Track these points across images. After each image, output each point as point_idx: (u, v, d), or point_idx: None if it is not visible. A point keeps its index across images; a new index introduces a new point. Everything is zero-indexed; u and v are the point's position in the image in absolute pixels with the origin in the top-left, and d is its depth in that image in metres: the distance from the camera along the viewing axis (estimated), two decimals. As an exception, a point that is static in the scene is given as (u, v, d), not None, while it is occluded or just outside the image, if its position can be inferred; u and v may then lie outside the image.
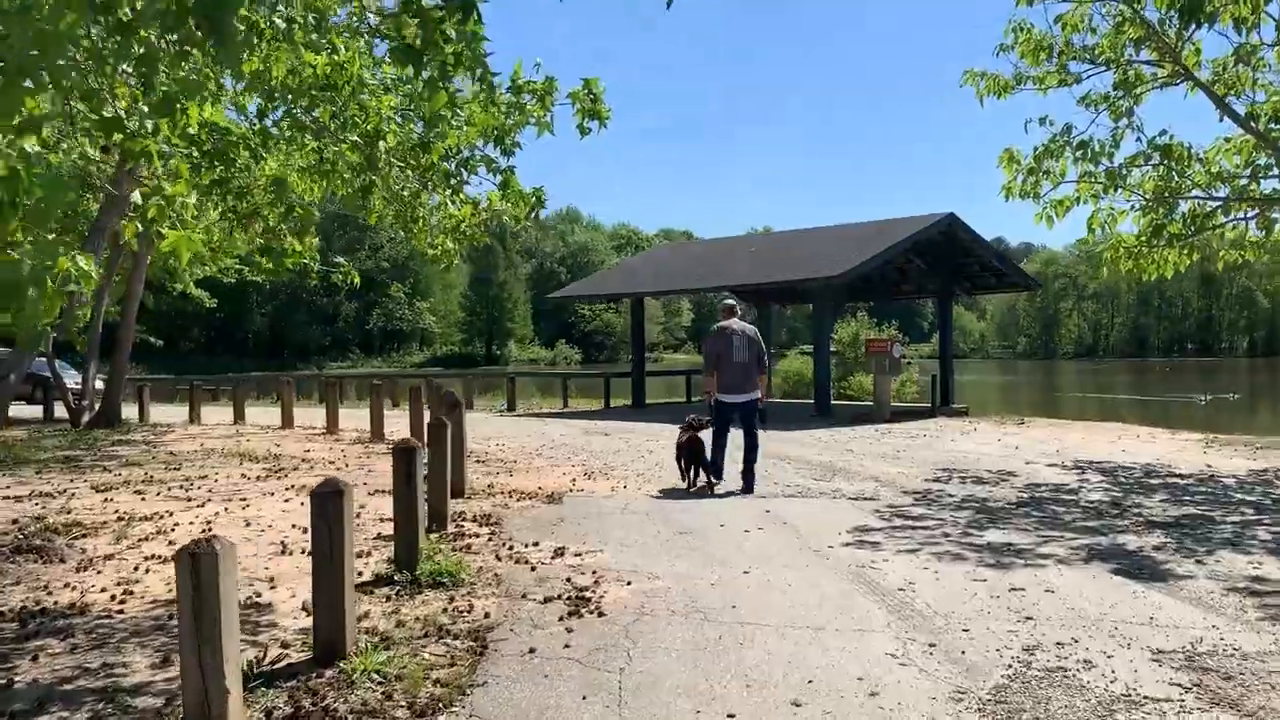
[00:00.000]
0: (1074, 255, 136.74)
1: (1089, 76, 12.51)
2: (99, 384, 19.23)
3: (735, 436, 10.87)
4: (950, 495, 10.54)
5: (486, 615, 5.90)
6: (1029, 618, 5.99)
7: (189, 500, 9.84)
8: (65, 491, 10.44)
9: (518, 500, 9.93)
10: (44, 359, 19.96)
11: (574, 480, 11.50)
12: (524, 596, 6.32)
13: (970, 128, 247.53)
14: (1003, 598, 6.44)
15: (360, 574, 6.83)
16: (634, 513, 9.29)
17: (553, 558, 7.40)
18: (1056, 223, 13.23)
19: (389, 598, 6.22)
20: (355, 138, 5.45)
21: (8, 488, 10.80)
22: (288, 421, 19.00)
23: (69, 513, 9.04)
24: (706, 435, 10.87)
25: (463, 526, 8.46)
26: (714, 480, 10.70)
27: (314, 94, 5.24)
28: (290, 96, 5.30)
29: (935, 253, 24.12)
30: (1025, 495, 10.53)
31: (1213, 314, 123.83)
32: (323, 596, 5.01)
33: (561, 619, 5.85)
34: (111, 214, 14.30)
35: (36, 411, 22.65)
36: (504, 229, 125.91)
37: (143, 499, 9.94)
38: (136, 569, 6.90)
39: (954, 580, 6.86)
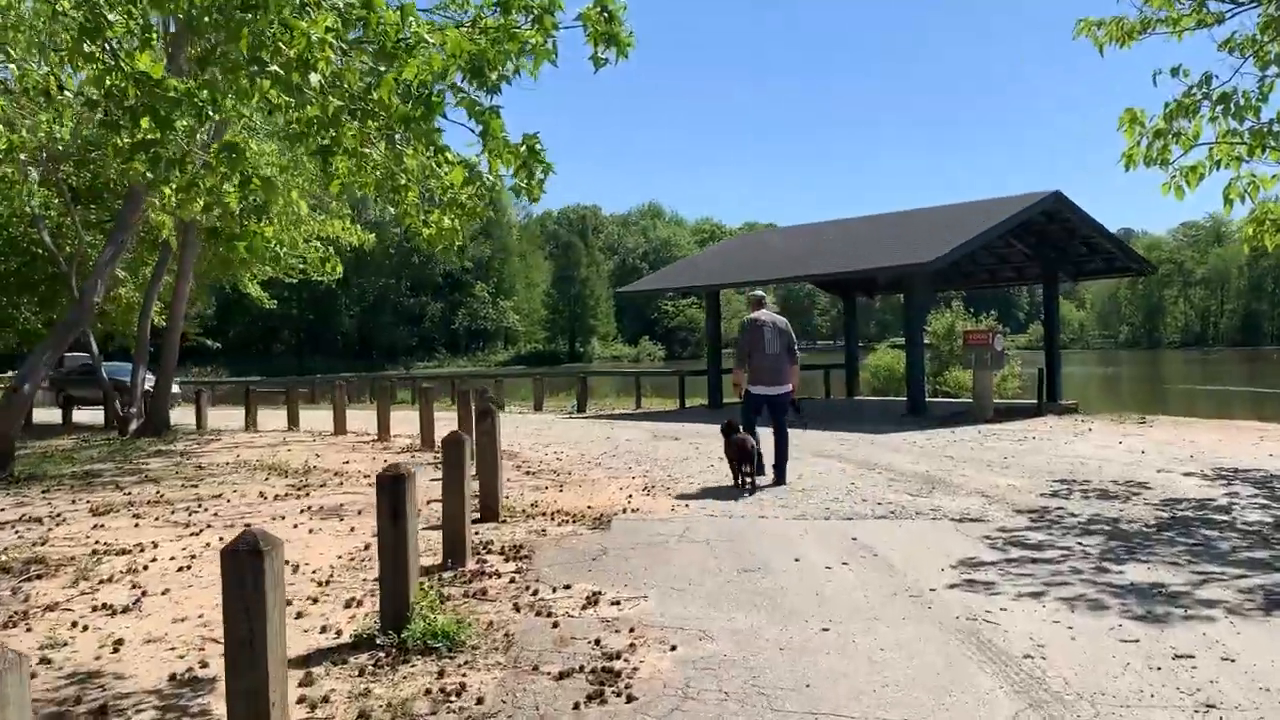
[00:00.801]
0: (1179, 240, 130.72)
1: (1233, 15, 10.62)
2: (153, 388, 18.49)
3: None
4: (1073, 515, 8.85)
5: (480, 700, 4.51)
6: (1210, 705, 4.40)
7: (186, 526, 8.69)
8: (58, 515, 9.40)
9: (560, 524, 8.56)
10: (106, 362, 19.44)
11: (630, 496, 10.08)
12: (536, 669, 4.92)
13: (1056, 101, 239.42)
14: (1165, 669, 4.85)
15: (339, 633, 5.52)
16: (693, 540, 7.82)
17: (584, 607, 5.98)
18: (1187, 193, 11.26)
19: (363, 670, 4.88)
20: (276, 68, 4.16)
21: (1, 510, 9.84)
22: (340, 427, 18.01)
23: (43, 544, 7.95)
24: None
25: (485, 561, 7.10)
26: (747, 480, 10.35)
27: (237, 14, 3.97)
28: (209, 19, 4.04)
29: (1038, 235, 22.10)
30: (1165, 514, 8.78)
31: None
32: (239, 701, 3.68)
33: (577, 706, 4.44)
34: (133, 206, 13.43)
35: (101, 416, 22.17)
36: (528, 212, 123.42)
37: (137, 525, 8.83)
38: (74, 625, 5.69)
39: (1096, 641, 5.27)
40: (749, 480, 10.24)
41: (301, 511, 9.37)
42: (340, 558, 7.41)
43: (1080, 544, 7.62)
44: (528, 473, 12.03)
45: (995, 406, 19.22)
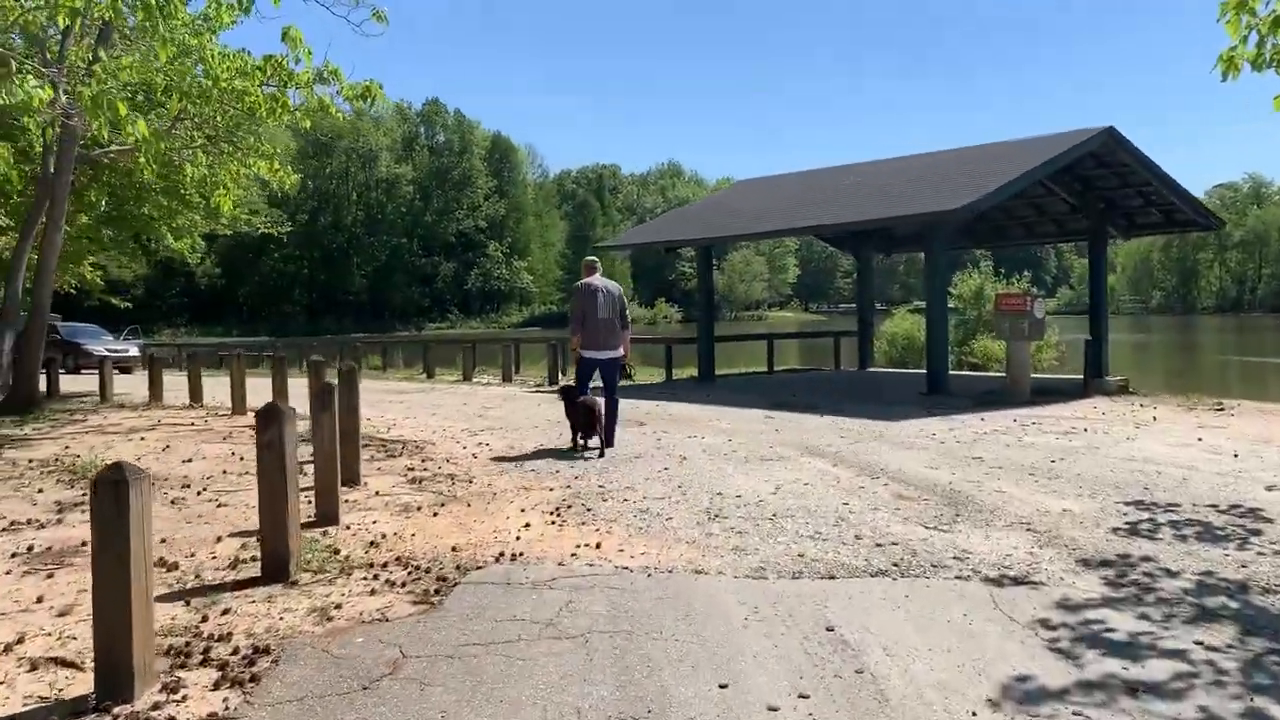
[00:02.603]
0: (1214, 203, 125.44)
1: None
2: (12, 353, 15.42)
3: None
4: (1171, 574, 5.82)
5: None
6: None
7: None
8: None
9: (381, 586, 5.57)
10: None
11: (527, 525, 7.11)
12: None
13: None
14: None
15: None
16: (565, 635, 4.74)
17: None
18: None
19: None
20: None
21: None
22: (239, 406, 14.93)
23: None
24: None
25: (176, 691, 4.05)
26: (584, 440, 10.49)
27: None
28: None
29: (1085, 181, 18.85)
30: (1316, 573, 5.76)
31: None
32: None
33: None
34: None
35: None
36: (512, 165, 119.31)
37: None
38: None
39: None
40: (585, 442, 10.40)
41: (15, 555, 6.44)
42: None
43: (1202, 645, 4.61)
44: (415, 479, 9.08)
45: (1034, 383, 16.12)
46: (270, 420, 5.65)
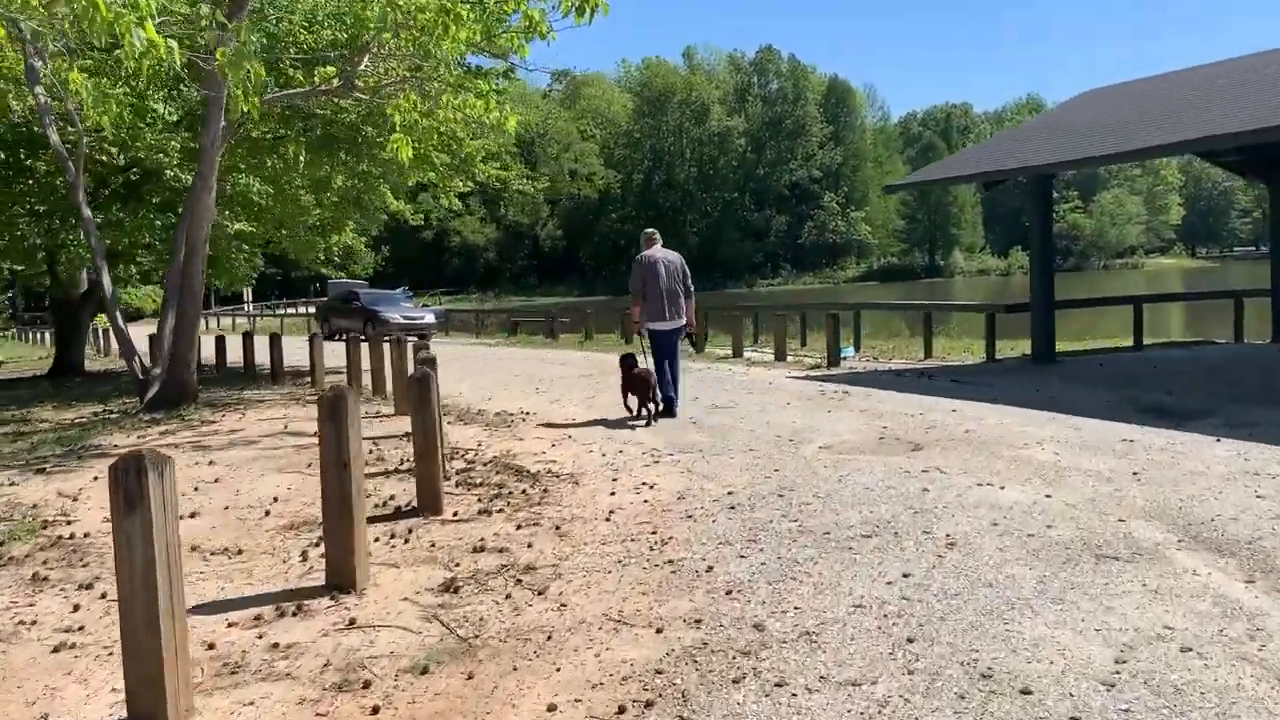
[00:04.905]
0: None
1: None
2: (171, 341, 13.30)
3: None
4: None
5: None
6: None
7: None
8: None
9: None
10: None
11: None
12: None
13: None
14: None
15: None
16: None
17: None
18: None
19: None
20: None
21: None
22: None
23: None
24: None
25: None
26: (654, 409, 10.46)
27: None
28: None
29: None
30: None
31: None
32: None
33: None
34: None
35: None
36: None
37: None
38: None
39: None
40: (646, 411, 10.38)
41: None
42: None
43: None
44: (466, 569, 5.38)
45: None
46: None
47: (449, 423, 10.93)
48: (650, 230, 11.44)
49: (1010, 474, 7.41)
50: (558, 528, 6.24)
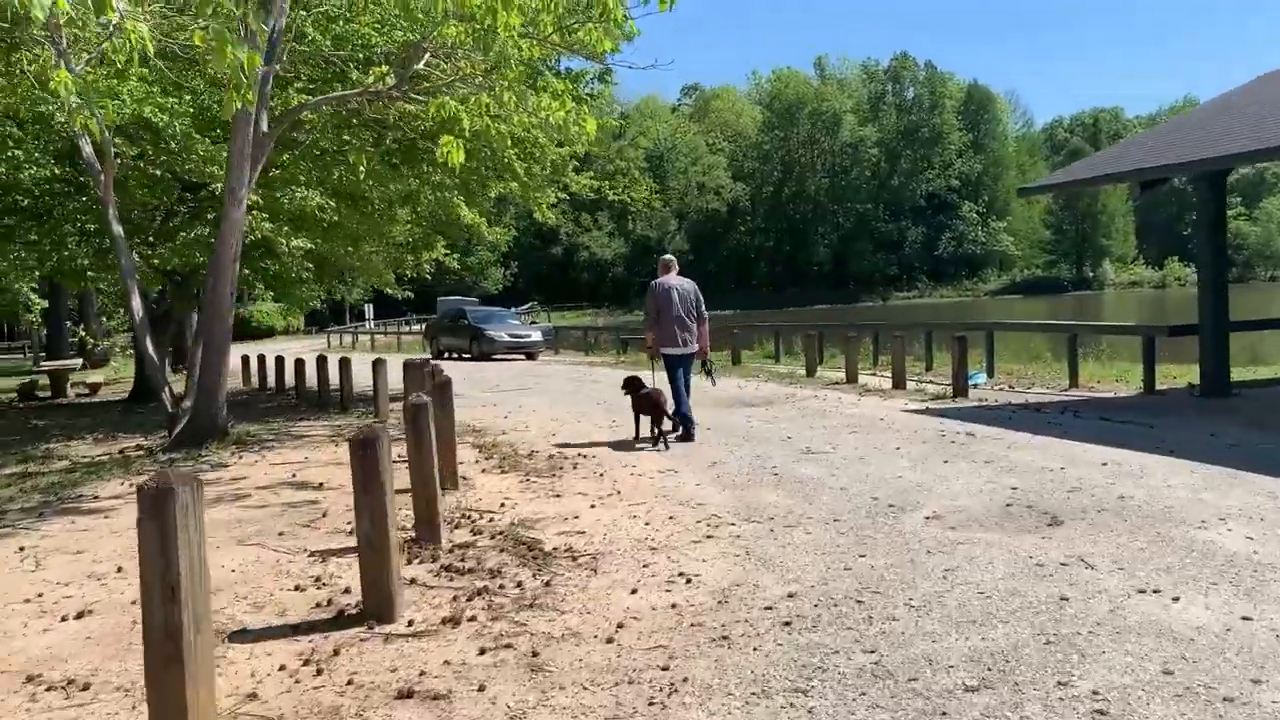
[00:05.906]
0: None
1: None
2: (197, 372, 11.98)
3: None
4: None
5: None
6: None
7: None
8: None
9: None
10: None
11: None
12: None
13: None
14: None
15: None
16: None
17: None
18: None
19: None
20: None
21: None
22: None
23: None
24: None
25: None
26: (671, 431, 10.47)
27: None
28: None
29: None
30: None
31: None
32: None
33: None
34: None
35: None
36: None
37: None
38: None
39: None
40: (657, 431, 10.33)
41: None
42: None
43: None
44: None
45: None
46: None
47: (483, 471, 9.32)
48: (668, 256, 11.73)
49: (1186, 572, 5.33)
50: (535, 654, 4.49)
